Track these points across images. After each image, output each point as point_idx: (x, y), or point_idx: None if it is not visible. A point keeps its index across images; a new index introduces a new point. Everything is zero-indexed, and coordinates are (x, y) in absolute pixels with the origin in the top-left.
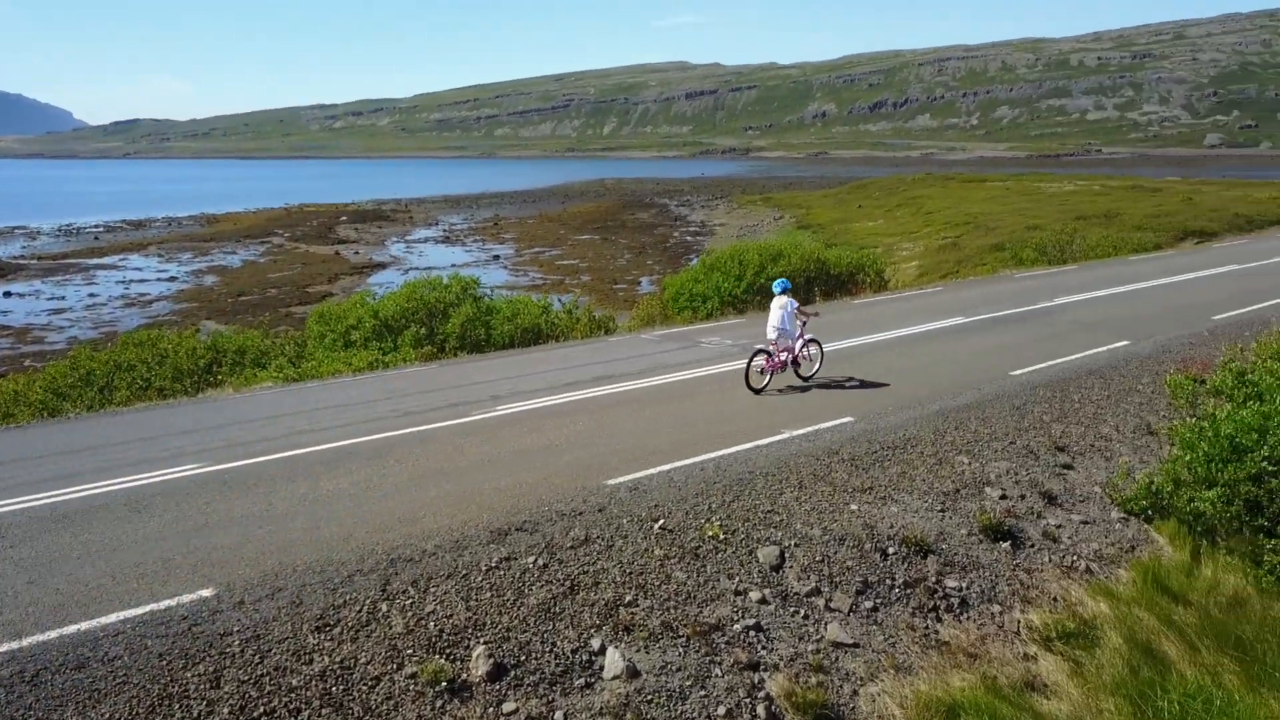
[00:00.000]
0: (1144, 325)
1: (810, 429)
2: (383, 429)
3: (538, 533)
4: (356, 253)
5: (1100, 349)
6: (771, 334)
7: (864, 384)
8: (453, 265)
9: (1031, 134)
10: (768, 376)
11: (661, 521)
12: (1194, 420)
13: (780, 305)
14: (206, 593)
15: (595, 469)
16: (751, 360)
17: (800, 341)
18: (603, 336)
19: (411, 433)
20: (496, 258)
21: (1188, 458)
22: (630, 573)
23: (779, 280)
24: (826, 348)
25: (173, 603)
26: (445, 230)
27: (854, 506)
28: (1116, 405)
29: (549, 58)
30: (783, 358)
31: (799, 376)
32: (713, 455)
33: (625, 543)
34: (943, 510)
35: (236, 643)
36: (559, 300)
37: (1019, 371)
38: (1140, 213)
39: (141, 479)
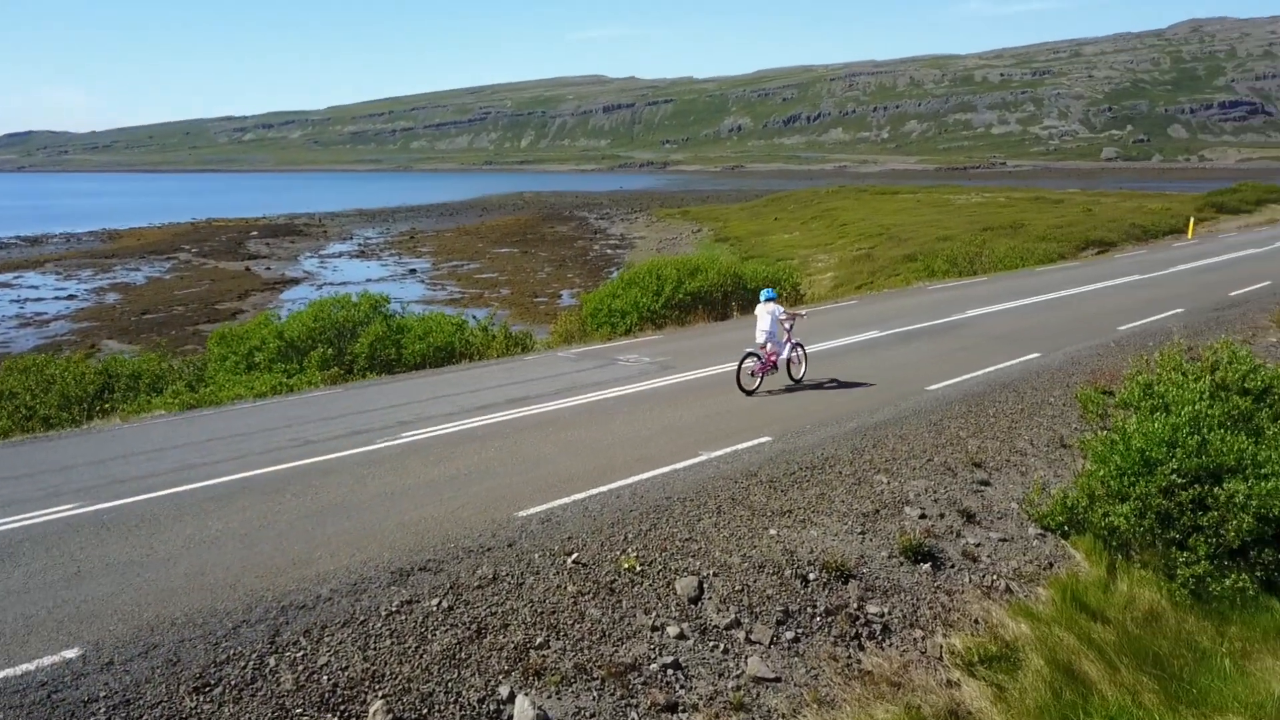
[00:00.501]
0: (1053, 337)
1: (728, 450)
2: (281, 460)
3: (442, 572)
4: (268, 268)
5: (1013, 361)
6: (760, 338)
7: (784, 396)
8: (368, 280)
9: (940, 147)
10: (759, 379)
11: (575, 555)
12: (1105, 434)
13: (768, 311)
14: (71, 653)
15: (506, 500)
16: (742, 363)
17: (789, 345)
18: (519, 355)
19: (311, 464)
20: (413, 272)
21: (1100, 472)
22: (541, 612)
23: (765, 289)
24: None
25: (31, 667)
26: (360, 244)
27: (773, 531)
28: (1030, 419)
29: (465, 70)
30: (773, 360)
31: (791, 378)
32: (629, 481)
33: (536, 579)
34: (863, 532)
35: (102, 710)
36: (474, 316)
37: (935, 386)
38: (1044, 223)
39: (9, 523)
